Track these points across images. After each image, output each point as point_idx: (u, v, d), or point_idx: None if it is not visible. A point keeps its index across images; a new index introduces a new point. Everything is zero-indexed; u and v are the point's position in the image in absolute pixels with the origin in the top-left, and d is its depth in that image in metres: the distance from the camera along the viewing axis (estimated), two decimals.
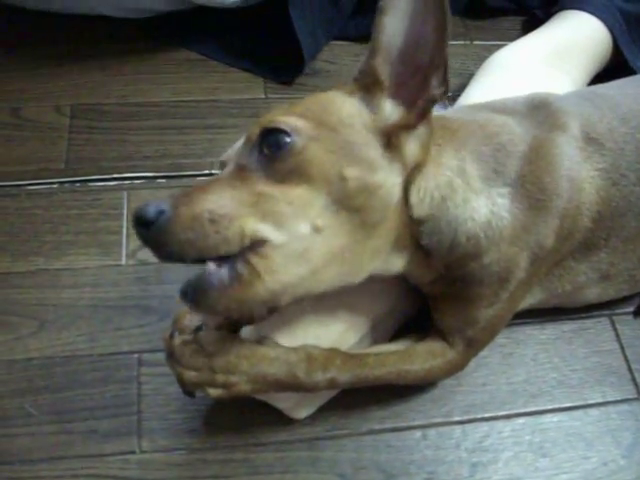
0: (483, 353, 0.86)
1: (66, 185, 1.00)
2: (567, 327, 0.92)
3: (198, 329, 0.72)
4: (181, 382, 0.71)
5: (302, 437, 0.81)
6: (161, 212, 0.60)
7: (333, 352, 0.73)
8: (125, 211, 0.97)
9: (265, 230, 0.60)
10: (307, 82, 1.16)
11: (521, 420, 0.84)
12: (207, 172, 1.03)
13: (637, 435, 0.85)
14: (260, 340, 0.73)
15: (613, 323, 0.93)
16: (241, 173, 0.63)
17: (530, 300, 0.84)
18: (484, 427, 0.84)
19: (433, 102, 0.65)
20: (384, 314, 0.80)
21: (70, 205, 0.98)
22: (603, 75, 1.12)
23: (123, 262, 0.93)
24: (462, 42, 1.25)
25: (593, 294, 0.88)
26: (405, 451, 0.81)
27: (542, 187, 0.72)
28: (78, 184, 1.00)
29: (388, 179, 0.65)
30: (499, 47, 1.10)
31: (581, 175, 0.76)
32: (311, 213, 0.62)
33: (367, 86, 0.66)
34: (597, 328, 0.93)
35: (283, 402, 0.78)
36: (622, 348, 0.91)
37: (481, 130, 0.74)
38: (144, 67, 1.14)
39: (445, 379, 0.84)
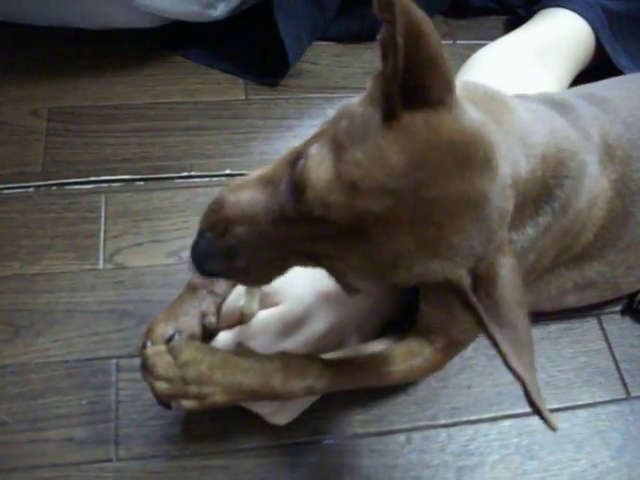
0: (468, 355, 0.84)
1: (42, 189, 0.98)
2: (553, 327, 0.91)
3: (171, 338, 0.70)
4: (154, 393, 0.70)
5: (283, 442, 0.79)
6: None
7: (310, 359, 0.72)
8: (103, 214, 0.95)
9: None
10: (289, 83, 1.15)
11: (507, 422, 0.83)
12: (186, 174, 1.01)
13: (627, 436, 0.84)
14: (236, 348, 0.71)
15: (600, 322, 0.92)
16: None
17: None
18: (470, 430, 0.82)
19: None
20: (367, 313, 0.79)
21: (46, 209, 0.96)
22: (586, 73, 1.12)
23: (100, 266, 0.91)
24: (445, 42, 1.24)
25: (575, 298, 0.87)
26: (389, 456, 0.80)
27: (572, 212, 0.70)
28: (55, 187, 0.98)
29: None
30: (482, 46, 1.08)
31: (595, 192, 0.73)
32: None
33: None
34: (584, 328, 0.91)
35: (263, 408, 0.76)
36: (610, 347, 0.90)
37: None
38: (122, 69, 1.13)
39: (425, 378, 0.83)
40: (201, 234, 0.57)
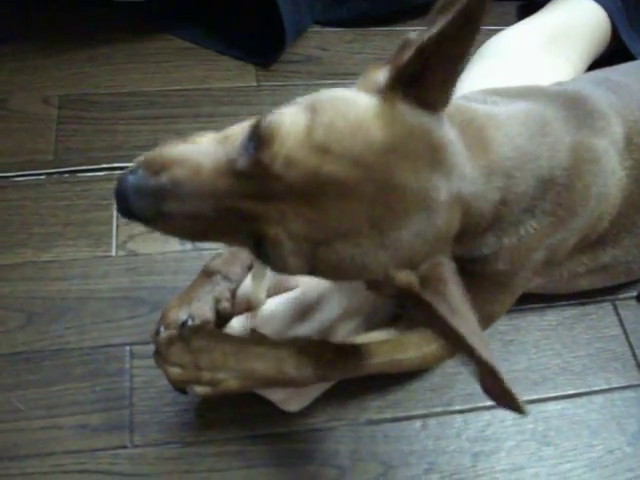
0: None
1: (54, 176, 0.97)
2: (568, 313, 0.90)
3: (184, 324, 0.70)
4: (168, 379, 0.70)
5: (298, 429, 0.79)
6: None
7: (323, 345, 0.71)
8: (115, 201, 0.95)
9: None
10: (299, 69, 1.14)
11: None
12: None
13: None
14: (250, 334, 0.71)
15: (616, 308, 0.91)
16: None
17: (528, 285, 0.81)
18: (486, 416, 0.82)
19: None
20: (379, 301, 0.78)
21: (59, 196, 0.95)
22: (601, 60, 1.10)
23: (113, 253, 0.91)
24: None
25: (587, 281, 0.86)
26: (405, 441, 0.79)
27: (573, 212, 0.69)
28: (67, 175, 0.98)
29: None
30: (494, 32, 1.08)
31: (610, 183, 0.72)
32: None
33: None
34: (599, 313, 0.91)
35: (276, 394, 0.76)
36: (626, 333, 0.89)
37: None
38: (133, 56, 1.12)
39: (438, 365, 0.83)
40: (132, 170, 0.53)
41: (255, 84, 1.11)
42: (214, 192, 0.52)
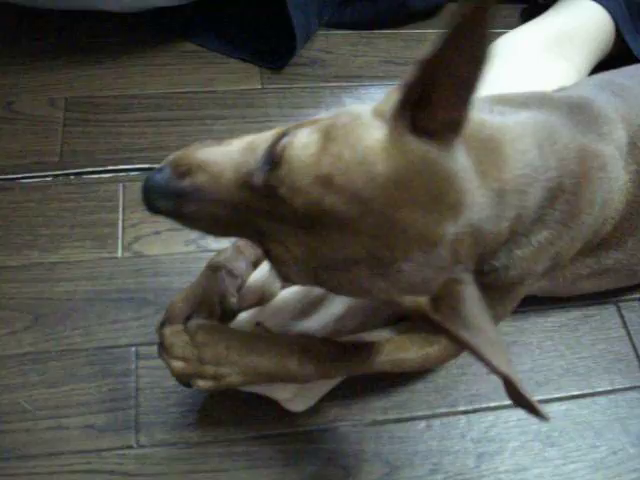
0: None
1: (60, 178, 0.98)
2: (572, 314, 0.91)
3: (189, 318, 0.70)
4: (172, 373, 0.70)
5: (303, 429, 0.79)
6: None
7: (327, 342, 0.71)
8: (121, 203, 0.95)
9: None
10: (304, 72, 1.15)
11: None
12: None
13: None
14: (255, 328, 0.71)
15: (619, 310, 0.92)
16: None
17: (530, 288, 0.82)
18: (490, 417, 0.82)
19: None
20: None
21: (65, 198, 0.96)
22: (605, 64, 1.11)
23: (119, 255, 0.91)
24: None
25: (590, 284, 0.87)
26: (409, 442, 0.80)
27: (579, 220, 0.69)
28: (73, 177, 0.98)
29: None
30: (497, 34, 1.08)
31: (615, 189, 0.73)
32: None
33: None
34: (603, 315, 0.91)
35: (282, 394, 0.76)
36: (629, 335, 0.90)
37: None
38: (138, 59, 1.13)
39: (442, 365, 0.83)
40: (161, 168, 0.56)
41: (260, 87, 1.12)
42: (230, 201, 0.54)
